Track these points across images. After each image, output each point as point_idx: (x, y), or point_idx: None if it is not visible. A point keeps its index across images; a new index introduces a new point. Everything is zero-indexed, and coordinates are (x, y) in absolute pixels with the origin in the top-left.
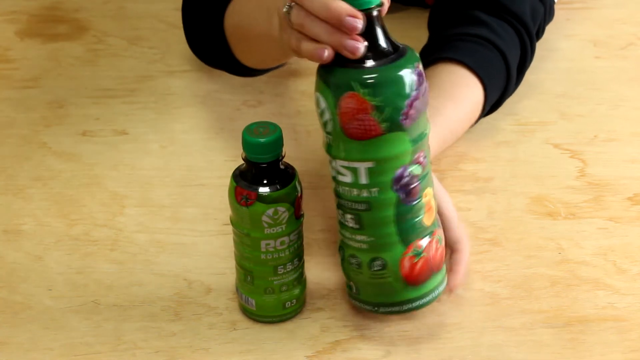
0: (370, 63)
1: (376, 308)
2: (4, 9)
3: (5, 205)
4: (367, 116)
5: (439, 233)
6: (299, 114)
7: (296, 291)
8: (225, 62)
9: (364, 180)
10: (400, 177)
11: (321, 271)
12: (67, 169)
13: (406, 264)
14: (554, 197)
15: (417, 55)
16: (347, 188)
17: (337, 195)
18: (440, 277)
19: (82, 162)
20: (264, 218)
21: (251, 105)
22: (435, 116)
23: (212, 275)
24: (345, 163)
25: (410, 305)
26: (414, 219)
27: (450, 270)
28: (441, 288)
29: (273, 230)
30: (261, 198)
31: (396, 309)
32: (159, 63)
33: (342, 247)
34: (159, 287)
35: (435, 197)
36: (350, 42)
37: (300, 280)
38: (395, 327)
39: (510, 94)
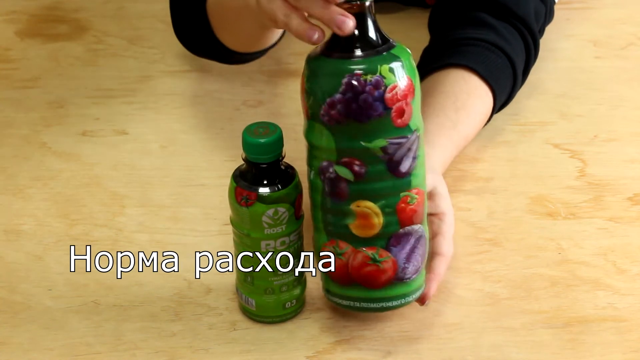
0: (344, 52)
1: (323, 288)
2: (4, 9)
3: (5, 205)
4: (303, 96)
5: (381, 254)
6: (299, 114)
7: (296, 291)
8: (210, 48)
9: (307, 156)
10: (324, 170)
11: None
12: (67, 169)
13: (325, 255)
14: (554, 197)
15: (380, 66)
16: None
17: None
18: (368, 294)
19: (82, 162)
20: (264, 218)
21: (251, 105)
22: (452, 128)
23: (212, 275)
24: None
25: (332, 299)
26: (338, 219)
27: (427, 273)
28: (369, 305)
29: (273, 230)
30: (261, 198)
31: (326, 294)
32: (159, 63)
33: None
34: (159, 287)
35: (395, 222)
36: (340, 17)
37: (300, 280)
38: (395, 327)
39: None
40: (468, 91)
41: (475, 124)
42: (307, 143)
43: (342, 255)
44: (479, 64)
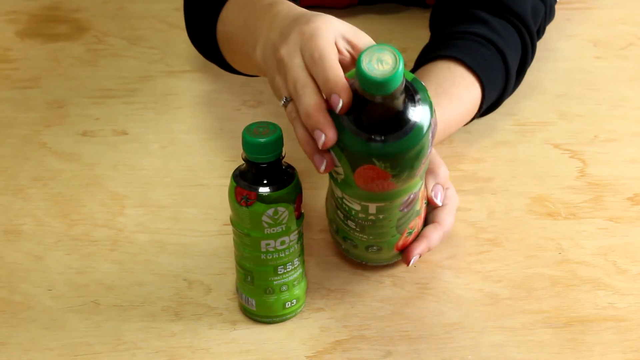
0: (384, 136)
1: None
2: (4, 9)
3: (5, 205)
4: (386, 181)
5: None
6: None
7: (296, 291)
8: (219, 62)
9: (372, 211)
10: (407, 201)
11: (321, 271)
12: (67, 169)
13: (400, 243)
14: (554, 197)
15: (431, 111)
16: (354, 210)
17: (340, 201)
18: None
19: (82, 162)
20: (264, 218)
21: (251, 105)
22: None
23: (212, 275)
24: (356, 200)
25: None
26: (411, 216)
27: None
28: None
29: (273, 230)
30: (261, 198)
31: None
32: (159, 63)
33: (338, 231)
34: (159, 287)
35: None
36: (317, 158)
37: (301, 280)
38: (395, 327)
39: (510, 94)
40: (452, 79)
41: (460, 112)
42: (383, 203)
43: (414, 229)
44: (465, 55)
